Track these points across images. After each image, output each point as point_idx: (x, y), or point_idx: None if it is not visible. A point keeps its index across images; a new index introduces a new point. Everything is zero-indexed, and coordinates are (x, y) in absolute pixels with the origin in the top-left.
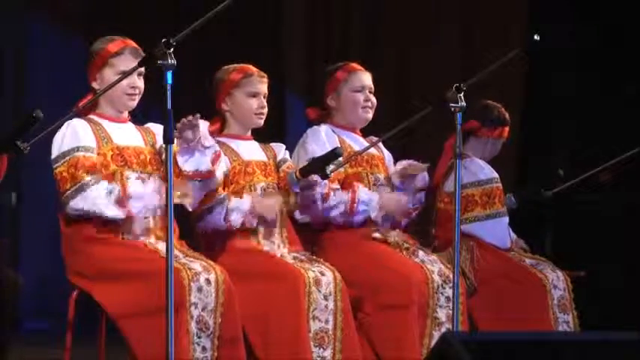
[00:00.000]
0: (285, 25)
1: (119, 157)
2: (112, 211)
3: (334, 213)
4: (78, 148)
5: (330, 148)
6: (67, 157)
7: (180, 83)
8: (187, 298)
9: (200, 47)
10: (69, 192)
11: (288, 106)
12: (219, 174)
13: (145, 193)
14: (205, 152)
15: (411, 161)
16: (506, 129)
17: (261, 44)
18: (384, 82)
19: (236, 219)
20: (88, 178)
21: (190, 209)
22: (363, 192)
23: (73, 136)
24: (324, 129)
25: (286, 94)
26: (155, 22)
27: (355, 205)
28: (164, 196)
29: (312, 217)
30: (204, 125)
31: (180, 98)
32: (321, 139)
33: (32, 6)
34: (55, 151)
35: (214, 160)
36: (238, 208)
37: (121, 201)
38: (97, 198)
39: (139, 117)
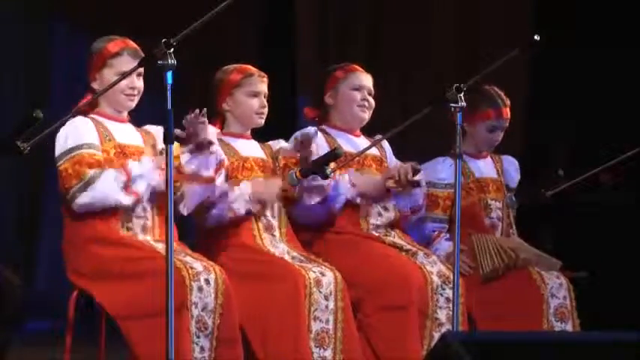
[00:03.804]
0: (297, 26)
1: (122, 154)
2: (125, 198)
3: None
4: (82, 146)
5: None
6: (72, 154)
7: (186, 83)
8: (189, 297)
9: (208, 48)
10: (75, 187)
11: (299, 108)
12: (220, 182)
13: (144, 172)
14: (210, 158)
15: (398, 167)
16: (502, 111)
17: (273, 45)
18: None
19: (239, 207)
20: (92, 172)
21: (185, 214)
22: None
23: (77, 133)
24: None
25: (298, 96)
26: (165, 21)
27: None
28: (163, 171)
29: (313, 210)
30: (213, 130)
31: (188, 98)
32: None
33: (53, 7)
34: (58, 149)
35: (217, 169)
36: (241, 195)
37: (127, 186)
38: (107, 187)
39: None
